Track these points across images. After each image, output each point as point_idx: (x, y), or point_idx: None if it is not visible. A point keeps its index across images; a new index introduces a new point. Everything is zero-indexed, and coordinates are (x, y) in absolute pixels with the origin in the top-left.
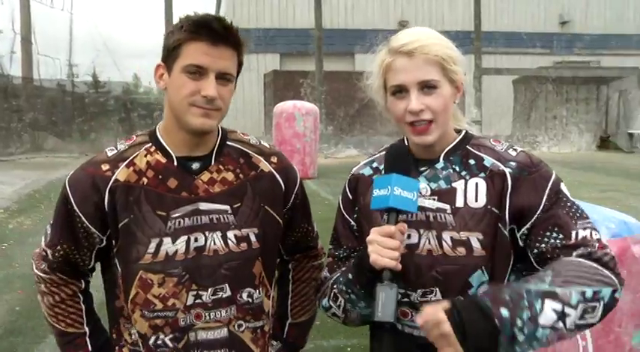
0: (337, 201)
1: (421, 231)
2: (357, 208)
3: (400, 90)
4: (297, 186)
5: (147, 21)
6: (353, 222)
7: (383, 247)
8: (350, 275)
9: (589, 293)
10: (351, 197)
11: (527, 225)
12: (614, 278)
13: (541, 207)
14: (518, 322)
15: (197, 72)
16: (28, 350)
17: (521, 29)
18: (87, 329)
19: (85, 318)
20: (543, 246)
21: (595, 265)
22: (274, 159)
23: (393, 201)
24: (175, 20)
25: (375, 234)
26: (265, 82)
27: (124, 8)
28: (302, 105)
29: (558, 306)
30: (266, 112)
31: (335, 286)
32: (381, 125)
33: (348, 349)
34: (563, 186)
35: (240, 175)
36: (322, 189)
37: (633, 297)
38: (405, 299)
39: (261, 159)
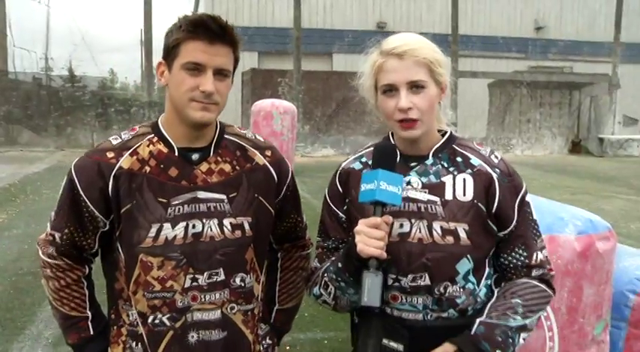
0: (313, 199)
1: (413, 220)
2: (347, 200)
3: (391, 89)
4: (288, 179)
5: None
6: (341, 214)
7: (369, 237)
8: (339, 264)
9: (541, 314)
10: (341, 190)
11: (501, 235)
12: (552, 294)
13: (514, 222)
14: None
15: (196, 69)
16: (9, 341)
17: (497, 33)
18: (89, 313)
19: (87, 303)
20: (509, 259)
21: (544, 287)
22: (268, 153)
23: (379, 195)
24: (155, 15)
25: (362, 225)
26: (243, 79)
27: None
28: (280, 104)
29: (526, 335)
30: (243, 110)
31: (325, 275)
32: (357, 125)
33: (325, 341)
34: (528, 197)
35: (237, 167)
36: (299, 187)
37: (596, 290)
38: (396, 284)
39: (257, 152)
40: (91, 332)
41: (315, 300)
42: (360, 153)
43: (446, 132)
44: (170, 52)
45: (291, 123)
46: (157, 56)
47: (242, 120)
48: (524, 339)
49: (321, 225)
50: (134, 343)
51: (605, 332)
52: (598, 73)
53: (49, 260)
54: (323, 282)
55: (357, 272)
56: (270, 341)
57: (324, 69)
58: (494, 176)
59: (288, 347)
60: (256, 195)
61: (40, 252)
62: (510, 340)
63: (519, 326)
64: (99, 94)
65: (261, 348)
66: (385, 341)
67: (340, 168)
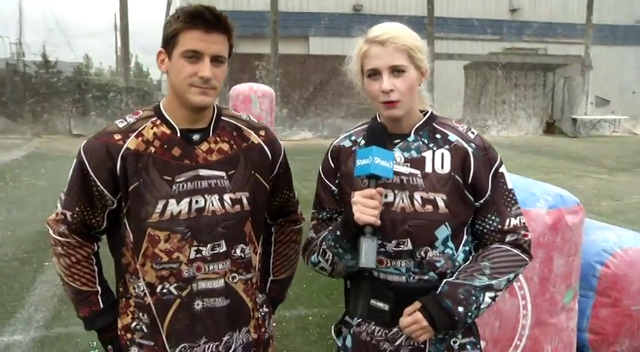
0: (294, 181)
1: (396, 191)
2: (339, 175)
3: (375, 73)
4: (281, 157)
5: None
6: (334, 188)
7: (365, 207)
8: (338, 232)
9: (511, 277)
10: (333, 166)
11: (477, 204)
12: (527, 258)
13: (488, 192)
14: (469, 313)
15: (194, 56)
16: (0, 325)
17: (473, 15)
18: (99, 288)
19: (97, 278)
20: (483, 225)
21: (518, 252)
22: (262, 133)
23: (374, 169)
24: (130, 1)
25: (358, 196)
26: None
27: None
28: (258, 88)
29: (492, 294)
30: (220, 94)
31: (324, 243)
32: (335, 108)
33: (309, 317)
34: (503, 168)
35: (234, 146)
36: None
37: (566, 261)
38: (382, 249)
39: (252, 132)
40: (101, 306)
41: (312, 267)
42: (349, 132)
43: (427, 112)
44: (169, 42)
45: (270, 106)
46: (133, 42)
47: (220, 103)
48: (491, 298)
49: (316, 198)
50: (141, 313)
51: (574, 300)
52: (571, 54)
53: (61, 238)
54: (321, 250)
55: (354, 239)
56: (266, 309)
57: (300, 52)
58: (470, 150)
59: (274, 324)
60: (253, 171)
61: (51, 232)
62: (474, 298)
63: (484, 286)
64: (75, 80)
65: (259, 315)
66: (373, 301)
67: (332, 146)
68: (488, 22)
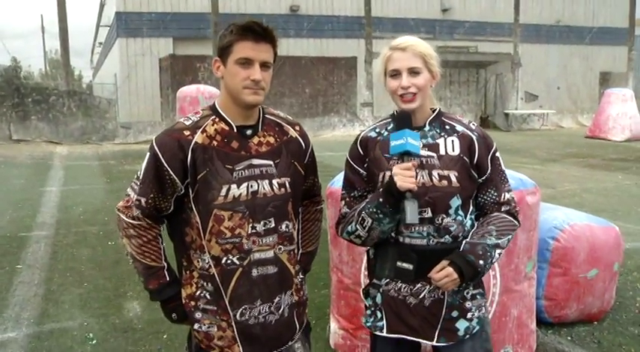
0: None
1: (418, 171)
2: (367, 160)
3: (396, 73)
4: (310, 148)
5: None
6: (362, 171)
7: (405, 176)
8: (380, 199)
9: (510, 237)
10: (362, 153)
11: (480, 180)
12: (517, 224)
13: (488, 170)
14: (487, 266)
15: (246, 63)
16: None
17: (407, 15)
18: (165, 264)
19: (163, 256)
20: (485, 198)
21: (511, 219)
22: (297, 128)
23: (409, 146)
24: (69, 2)
25: (397, 169)
26: (161, 66)
27: None
28: (205, 89)
29: (500, 251)
30: (162, 96)
31: (363, 212)
32: (277, 107)
33: None
34: (498, 153)
35: (278, 139)
36: None
37: (527, 235)
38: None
39: (290, 127)
40: (167, 279)
41: (347, 237)
42: (374, 126)
43: (436, 109)
44: (224, 51)
45: None
46: (74, 42)
47: (162, 105)
48: (499, 254)
49: (346, 181)
50: (205, 283)
51: (534, 270)
52: (501, 52)
53: (134, 221)
54: (360, 218)
55: (395, 204)
56: (302, 276)
57: None
58: (474, 137)
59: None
60: (292, 160)
61: (123, 216)
62: (489, 253)
63: (494, 244)
64: (14, 84)
65: (298, 281)
66: (399, 263)
67: (360, 137)
68: (421, 21)
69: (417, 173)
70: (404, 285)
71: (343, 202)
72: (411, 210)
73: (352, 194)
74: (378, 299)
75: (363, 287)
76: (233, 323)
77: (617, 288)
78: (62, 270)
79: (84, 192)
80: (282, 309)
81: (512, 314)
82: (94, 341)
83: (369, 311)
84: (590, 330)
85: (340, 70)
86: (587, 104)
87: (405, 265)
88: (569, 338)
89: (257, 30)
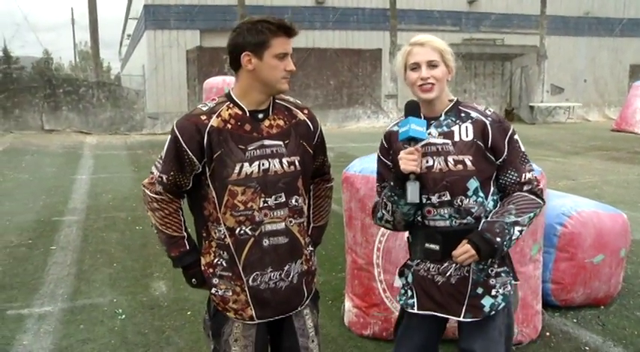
0: None
1: (434, 157)
2: (391, 152)
3: (416, 66)
4: (319, 129)
5: None
6: (389, 163)
7: (408, 160)
8: (391, 183)
9: (532, 215)
10: (386, 146)
11: (498, 163)
12: (542, 202)
13: (505, 152)
14: (505, 243)
15: (284, 56)
16: (27, 299)
17: (433, 7)
18: (185, 234)
19: (183, 227)
20: (505, 179)
21: (534, 197)
22: (305, 112)
23: (412, 132)
24: None
25: (402, 153)
26: (188, 58)
27: None
28: (231, 80)
29: (520, 228)
30: (189, 87)
31: (384, 197)
32: (303, 98)
33: None
34: (516, 135)
35: (287, 122)
36: None
37: None
38: (428, 202)
39: (298, 111)
40: (187, 247)
41: (379, 223)
42: (397, 120)
43: (453, 99)
44: (259, 46)
45: None
46: (103, 34)
47: (188, 96)
48: (519, 232)
49: (378, 174)
50: (222, 251)
51: (540, 253)
52: (527, 44)
53: (157, 196)
54: (383, 203)
55: (402, 185)
56: (312, 248)
57: None
58: (487, 122)
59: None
60: (301, 141)
61: (148, 192)
62: (507, 231)
63: (513, 222)
64: (46, 75)
65: (308, 252)
66: (427, 244)
67: (386, 132)
68: (447, 13)
69: (433, 161)
70: (432, 265)
71: (376, 193)
72: (412, 191)
73: (383, 185)
74: (410, 278)
75: (376, 267)
76: (246, 288)
77: (627, 276)
78: (93, 252)
79: (113, 180)
80: (291, 276)
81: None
82: (123, 316)
83: (402, 290)
84: (596, 314)
85: (365, 62)
86: (614, 97)
87: (432, 246)
88: (574, 320)
89: (289, 26)
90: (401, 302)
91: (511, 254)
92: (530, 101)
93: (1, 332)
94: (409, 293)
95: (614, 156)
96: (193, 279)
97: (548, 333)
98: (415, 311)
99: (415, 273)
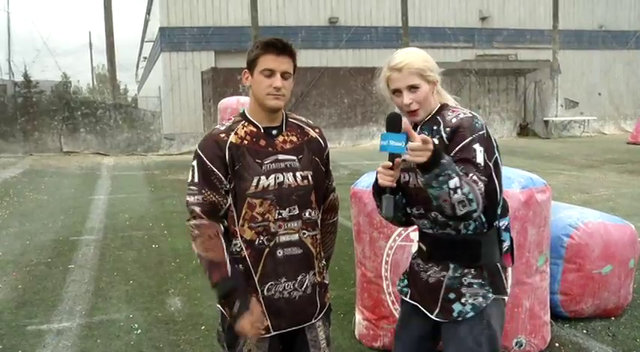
0: None
1: (410, 174)
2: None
3: (397, 91)
4: (328, 147)
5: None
6: None
7: (384, 175)
8: (373, 195)
9: (466, 190)
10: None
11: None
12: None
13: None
14: (445, 170)
15: (270, 73)
16: (47, 315)
17: (445, 24)
18: (226, 259)
19: (224, 252)
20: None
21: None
22: (317, 130)
23: (388, 148)
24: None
25: (380, 168)
26: (203, 79)
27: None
28: (245, 101)
29: (453, 185)
30: (205, 107)
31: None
32: (316, 117)
33: None
34: (475, 145)
35: (300, 138)
36: None
37: (537, 231)
38: (410, 213)
39: (310, 129)
40: (228, 273)
41: (388, 221)
42: None
43: (437, 107)
44: (252, 64)
45: None
46: (120, 57)
47: (204, 117)
48: (454, 185)
49: None
50: (237, 264)
51: (546, 264)
52: (540, 59)
53: (196, 222)
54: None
55: (379, 198)
56: (324, 263)
57: None
58: (445, 136)
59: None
60: (313, 156)
61: (188, 223)
62: (453, 166)
63: (458, 173)
64: (64, 98)
65: (321, 265)
66: (420, 243)
67: None
68: (459, 30)
69: (409, 176)
70: (421, 262)
71: None
72: (386, 205)
73: None
74: (408, 268)
75: (385, 280)
76: (261, 299)
77: (638, 287)
78: (110, 270)
79: (129, 200)
80: (304, 286)
81: (524, 305)
82: (139, 331)
83: (402, 276)
84: (606, 325)
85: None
86: (630, 110)
87: (422, 245)
88: (584, 331)
89: (278, 45)
90: (398, 288)
91: (517, 264)
92: (545, 116)
93: (22, 347)
94: (405, 281)
95: (629, 169)
96: (236, 306)
97: (557, 344)
98: (407, 299)
99: (411, 265)
